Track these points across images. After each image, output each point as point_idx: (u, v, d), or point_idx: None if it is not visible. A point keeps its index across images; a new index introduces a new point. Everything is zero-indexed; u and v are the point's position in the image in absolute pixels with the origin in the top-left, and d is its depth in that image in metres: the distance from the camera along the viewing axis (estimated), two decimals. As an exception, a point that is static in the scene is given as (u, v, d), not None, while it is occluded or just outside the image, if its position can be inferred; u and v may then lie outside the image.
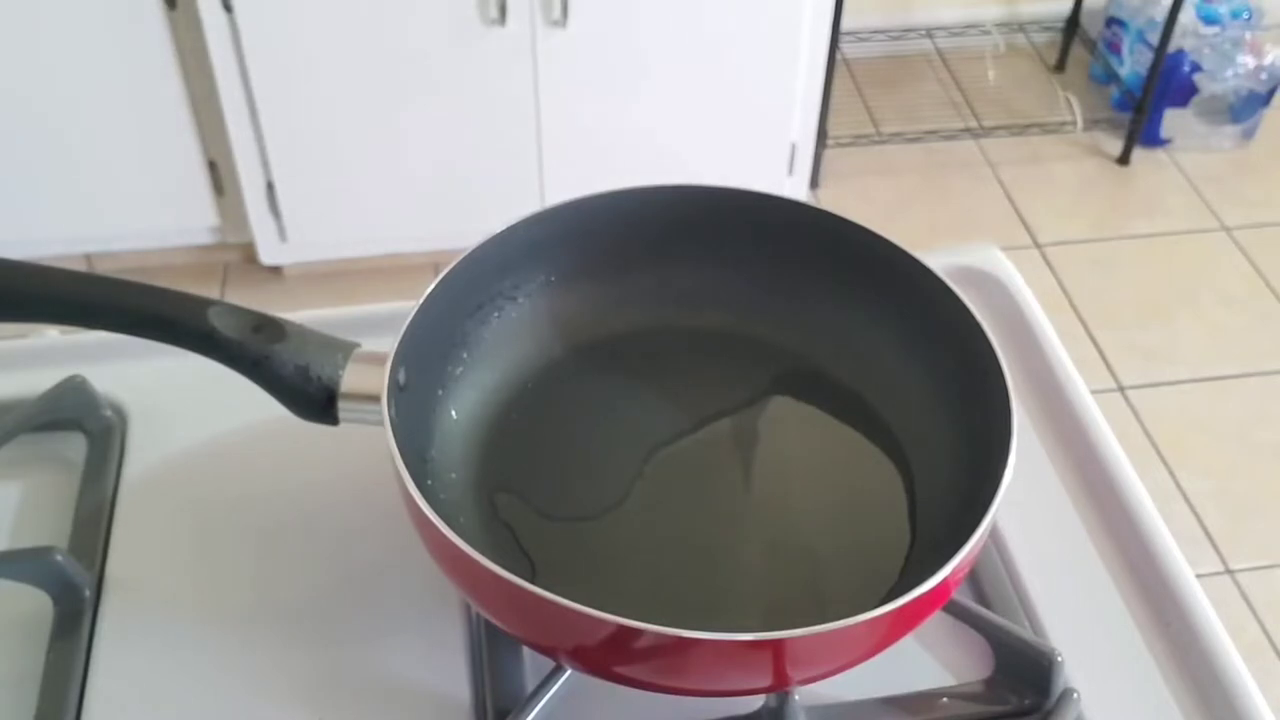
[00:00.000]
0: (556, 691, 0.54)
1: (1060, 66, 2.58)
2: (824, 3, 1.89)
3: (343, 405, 0.54)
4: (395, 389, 0.53)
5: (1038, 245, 2.20)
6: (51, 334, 0.75)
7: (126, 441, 0.67)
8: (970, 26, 2.58)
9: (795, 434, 0.63)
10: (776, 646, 0.46)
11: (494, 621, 0.53)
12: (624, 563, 0.57)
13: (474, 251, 0.59)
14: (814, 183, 2.24)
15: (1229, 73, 2.30)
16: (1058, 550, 0.63)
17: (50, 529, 0.63)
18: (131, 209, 1.94)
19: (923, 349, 0.61)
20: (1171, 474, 1.83)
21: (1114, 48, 2.44)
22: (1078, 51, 2.58)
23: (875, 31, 2.51)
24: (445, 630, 0.58)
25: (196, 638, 0.58)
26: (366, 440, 0.54)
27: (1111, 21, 2.46)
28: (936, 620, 0.55)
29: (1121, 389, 1.96)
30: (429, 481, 0.56)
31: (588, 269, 0.64)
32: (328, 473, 0.65)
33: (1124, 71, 2.40)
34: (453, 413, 0.60)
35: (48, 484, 0.65)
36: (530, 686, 0.55)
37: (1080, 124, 2.39)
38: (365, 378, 0.54)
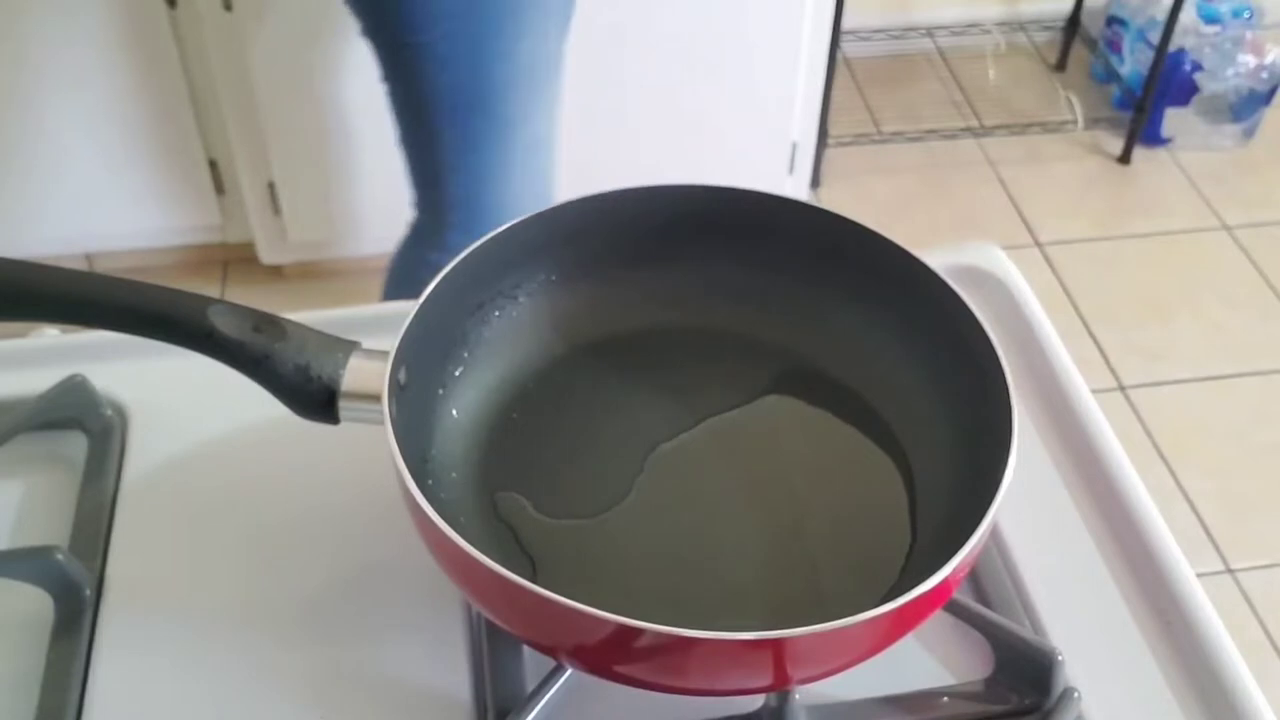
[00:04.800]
0: (556, 691, 0.54)
1: (1061, 65, 2.58)
2: (824, 2, 1.89)
3: (343, 404, 0.54)
4: (396, 388, 0.53)
5: (1038, 244, 2.20)
6: (51, 333, 0.75)
7: (126, 441, 0.66)
8: (971, 26, 2.58)
9: (795, 433, 0.62)
10: (777, 646, 0.46)
11: (494, 621, 0.53)
12: (624, 562, 0.57)
13: (474, 251, 0.59)
14: (814, 182, 2.24)
15: (1230, 72, 2.30)
16: (1058, 550, 0.63)
17: (51, 528, 0.63)
18: (132, 208, 1.94)
19: (923, 348, 0.61)
20: (1172, 473, 1.83)
21: (1115, 47, 2.44)
22: (1078, 50, 2.58)
23: (876, 31, 2.51)
24: (445, 630, 0.58)
25: (197, 637, 0.58)
26: (367, 440, 0.54)
27: (1112, 20, 2.46)
28: (936, 620, 0.55)
29: (1122, 388, 1.96)
30: (429, 481, 0.56)
31: (588, 269, 0.64)
32: (328, 472, 0.65)
33: (1125, 70, 2.40)
34: (453, 412, 0.60)
35: (48, 483, 0.65)
36: (530, 686, 0.55)
37: (1081, 123, 2.39)
38: (366, 377, 0.53)
